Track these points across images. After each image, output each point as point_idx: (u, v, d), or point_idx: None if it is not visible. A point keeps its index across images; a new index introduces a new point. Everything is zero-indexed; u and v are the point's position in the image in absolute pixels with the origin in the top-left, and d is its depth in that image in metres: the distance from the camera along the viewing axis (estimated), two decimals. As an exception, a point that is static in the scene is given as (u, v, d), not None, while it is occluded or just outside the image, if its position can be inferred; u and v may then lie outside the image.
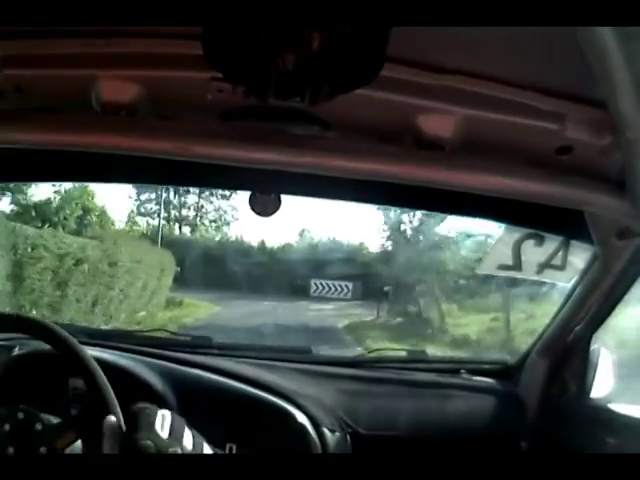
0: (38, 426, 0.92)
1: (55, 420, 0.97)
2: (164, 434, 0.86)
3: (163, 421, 0.87)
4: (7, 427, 0.92)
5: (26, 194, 10.23)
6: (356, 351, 5.91)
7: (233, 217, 14.41)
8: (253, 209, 0.99)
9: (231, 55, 0.66)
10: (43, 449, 0.91)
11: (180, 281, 10.17)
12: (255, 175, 0.92)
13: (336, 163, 0.85)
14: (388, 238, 12.80)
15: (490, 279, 7.38)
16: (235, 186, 1.11)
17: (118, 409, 0.96)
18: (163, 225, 13.57)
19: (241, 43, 0.64)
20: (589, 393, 1.33)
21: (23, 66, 0.79)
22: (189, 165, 0.91)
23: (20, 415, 0.93)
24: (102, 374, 0.96)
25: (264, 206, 0.99)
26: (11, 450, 0.91)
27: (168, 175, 1.11)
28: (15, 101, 0.85)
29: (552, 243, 1.16)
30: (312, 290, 11.32)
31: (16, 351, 1.22)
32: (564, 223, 1.09)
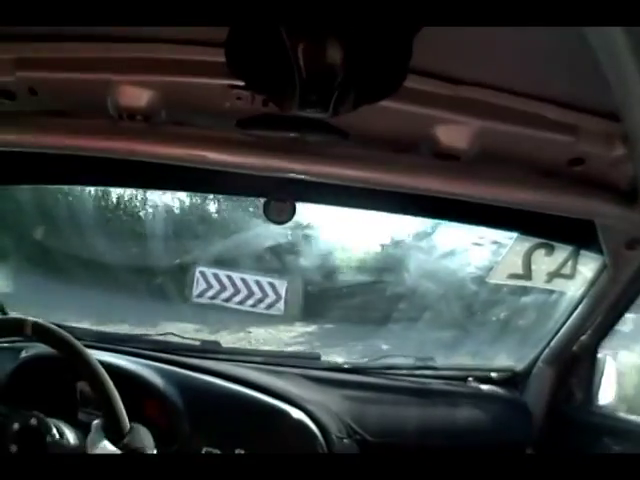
0: (33, 421, 0.96)
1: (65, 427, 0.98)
2: None
3: None
4: (16, 426, 0.94)
5: None
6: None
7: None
8: (268, 216, 1.00)
9: (255, 64, 0.66)
10: (49, 437, 0.95)
11: None
12: (270, 182, 0.93)
13: (352, 172, 0.86)
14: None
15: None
16: (250, 193, 1.11)
17: (124, 413, 0.97)
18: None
19: (265, 52, 0.64)
20: (595, 401, 1.34)
21: (37, 69, 0.79)
22: (204, 171, 0.91)
23: (33, 421, 0.94)
24: (107, 378, 0.96)
25: (279, 213, 1.00)
26: (14, 448, 0.93)
27: (183, 181, 1.11)
28: (29, 104, 0.85)
29: (562, 253, 1.18)
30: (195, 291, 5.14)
31: (24, 354, 1.21)
32: (574, 233, 1.10)
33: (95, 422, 0.98)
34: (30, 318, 1.00)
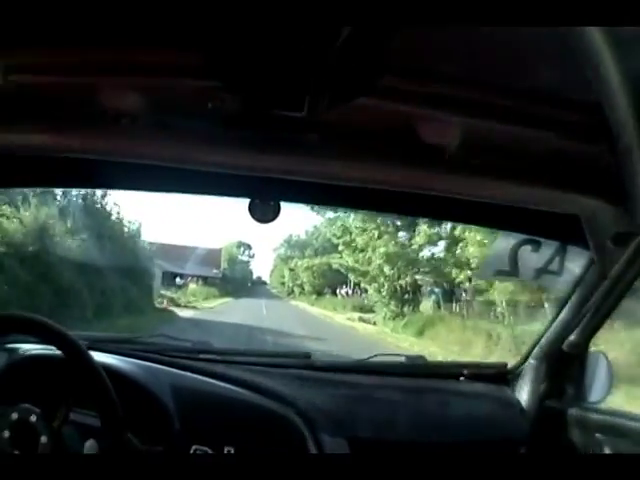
0: (32, 418, 0.97)
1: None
2: None
3: None
4: (15, 416, 0.97)
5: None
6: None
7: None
8: (253, 216, 1.00)
9: (232, 66, 0.67)
10: (43, 438, 0.96)
11: None
12: (255, 182, 0.93)
13: (334, 170, 0.86)
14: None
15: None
16: (235, 193, 1.12)
17: (120, 414, 0.97)
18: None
19: (242, 54, 0.65)
20: (587, 398, 1.34)
21: (25, 72, 0.80)
22: (189, 172, 0.92)
23: (32, 418, 0.96)
24: (107, 380, 0.97)
25: (264, 213, 1.00)
26: (6, 434, 0.95)
27: (167, 182, 1.11)
28: (17, 107, 0.86)
29: (548, 249, 1.18)
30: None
31: (19, 353, 1.22)
32: (560, 228, 1.10)
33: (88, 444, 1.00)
34: (36, 316, 1.01)
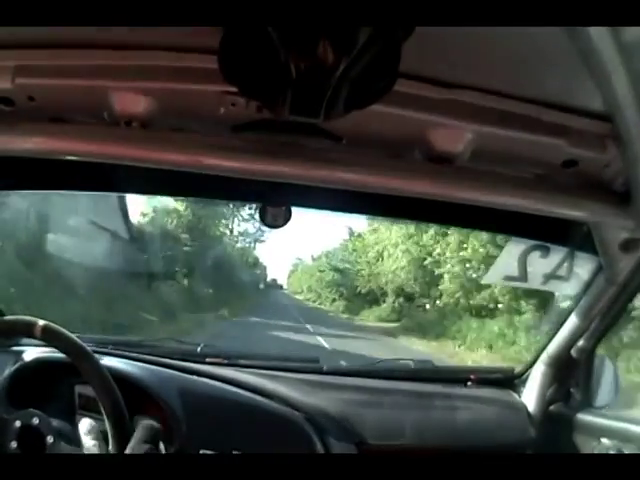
0: (35, 420, 0.98)
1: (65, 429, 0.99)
2: None
3: None
4: (18, 424, 0.97)
5: None
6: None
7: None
8: (264, 221, 1.01)
9: (247, 70, 0.67)
10: (49, 438, 0.97)
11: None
12: (266, 187, 0.93)
13: (346, 176, 0.86)
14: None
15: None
16: (246, 198, 1.12)
17: (126, 417, 0.98)
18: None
19: (257, 58, 0.65)
20: (593, 402, 1.34)
21: (35, 75, 0.80)
22: (200, 177, 0.92)
23: (35, 420, 0.95)
24: (113, 383, 0.97)
25: (274, 218, 1.01)
26: (14, 445, 0.95)
27: (178, 187, 1.12)
28: (27, 110, 0.86)
29: (557, 254, 1.18)
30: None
31: (26, 357, 1.22)
32: (569, 235, 1.10)
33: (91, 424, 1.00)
34: (40, 321, 1.01)
